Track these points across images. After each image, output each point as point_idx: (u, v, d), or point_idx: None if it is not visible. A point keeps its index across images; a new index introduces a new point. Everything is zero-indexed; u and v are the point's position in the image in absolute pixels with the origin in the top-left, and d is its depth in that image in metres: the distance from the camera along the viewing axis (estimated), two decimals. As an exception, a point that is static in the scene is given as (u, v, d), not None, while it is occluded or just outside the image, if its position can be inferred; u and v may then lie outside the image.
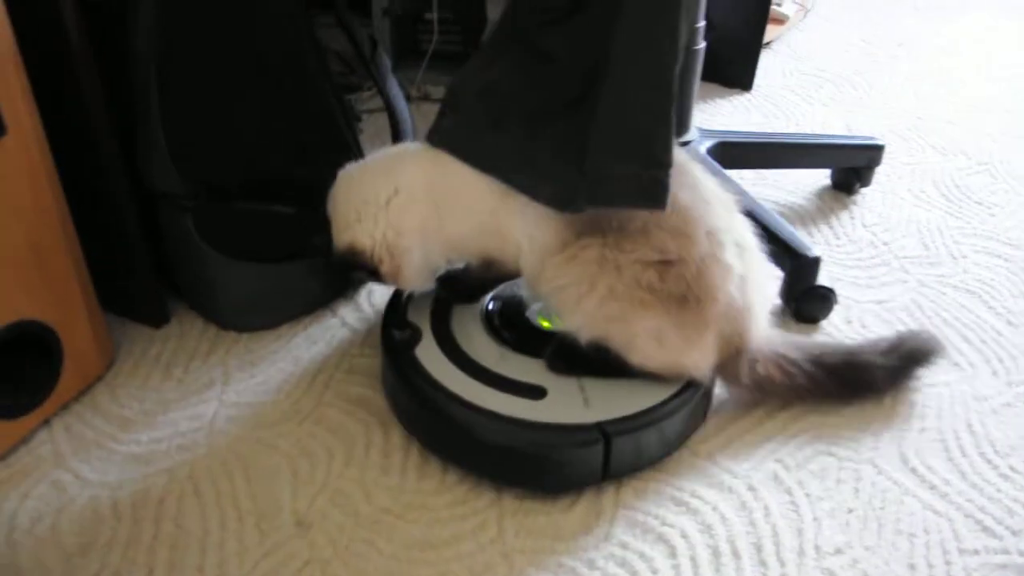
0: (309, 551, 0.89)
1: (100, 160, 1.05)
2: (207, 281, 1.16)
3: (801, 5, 2.37)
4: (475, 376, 0.98)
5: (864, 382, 1.06)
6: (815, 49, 2.23)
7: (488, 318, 1.08)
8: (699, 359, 0.96)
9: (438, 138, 0.99)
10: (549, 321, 1.07)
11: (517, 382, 0.98)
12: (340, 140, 1.20)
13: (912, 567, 0.89)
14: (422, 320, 1.06)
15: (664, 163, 0.86)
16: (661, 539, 0.91)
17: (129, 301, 1.20)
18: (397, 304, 1.09)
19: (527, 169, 0.93)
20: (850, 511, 0.95)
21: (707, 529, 0.92)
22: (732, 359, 0.99)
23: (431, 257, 1.02)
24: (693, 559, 0.89)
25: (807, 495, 0.96)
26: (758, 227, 1.23)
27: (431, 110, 1.73)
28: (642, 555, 0.89)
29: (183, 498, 0.95)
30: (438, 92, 1.84)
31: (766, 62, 2.08)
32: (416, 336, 1.03)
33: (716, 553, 0.90)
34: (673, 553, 0.90)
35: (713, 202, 0.96)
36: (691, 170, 0.97)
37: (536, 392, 0.96)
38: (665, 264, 0.91)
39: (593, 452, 0.93)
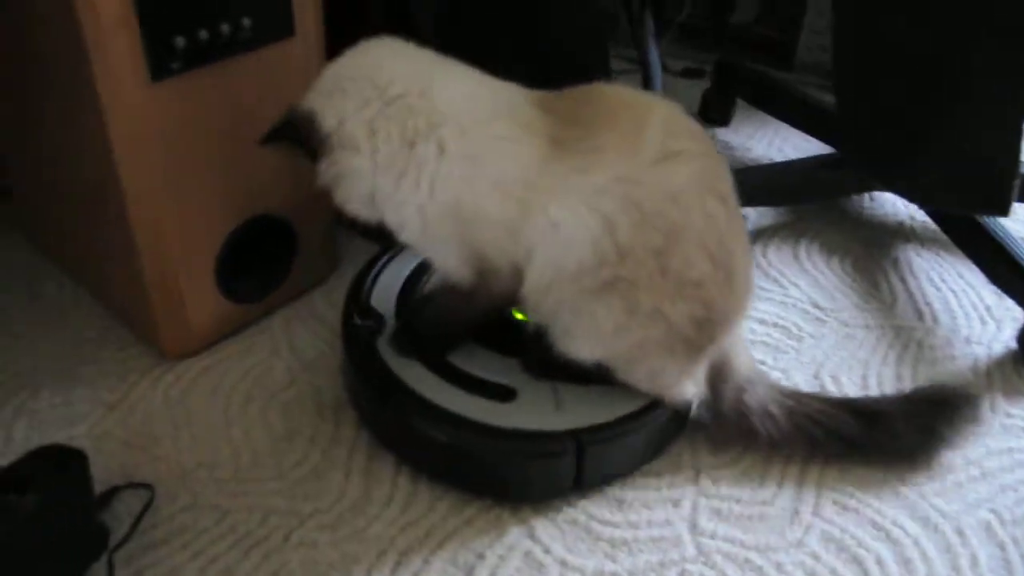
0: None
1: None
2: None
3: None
4: (440, 373, 0.90)
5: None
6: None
7: None
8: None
9: None
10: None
11: (486, 382, 0.90)
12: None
13: None
14: (386, 308, 0.98)
15: None
16: (855, 560, 0.86)
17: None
18: (360, 289, 1.01)
19: None
20: (1070, 581, 0.87)
21: (905, 563, 0.87)
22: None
23: (378, 198, 0.83)
24: (886, 589, 0.85)
25: (1023, 556, 0.89)
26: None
27: (669, 81, 1.70)
28: (833, 571, 0.85)
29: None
30: (676, 65, 1.81)
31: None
32: (379, 324, 0.94)
33: (912, 589, 0.85)
34: (866, 577, 0.86)
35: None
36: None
37: (506, 393, 0.90)
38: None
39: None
